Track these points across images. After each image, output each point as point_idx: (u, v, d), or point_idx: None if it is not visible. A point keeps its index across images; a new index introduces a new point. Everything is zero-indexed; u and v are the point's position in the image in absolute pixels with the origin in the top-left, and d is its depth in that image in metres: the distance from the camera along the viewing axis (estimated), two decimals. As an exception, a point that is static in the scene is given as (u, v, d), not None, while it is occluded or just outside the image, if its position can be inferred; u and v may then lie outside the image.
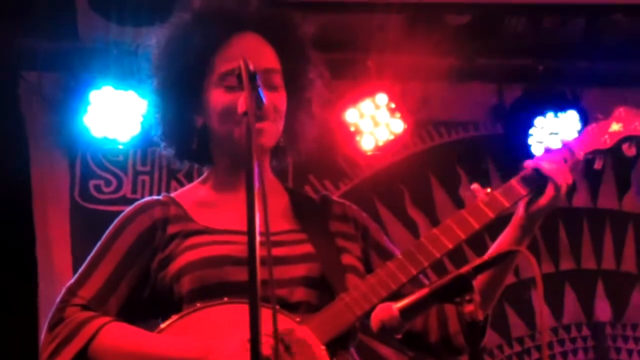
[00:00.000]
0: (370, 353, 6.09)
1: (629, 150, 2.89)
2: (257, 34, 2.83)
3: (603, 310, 6.62)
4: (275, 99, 2.77)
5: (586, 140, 2.90)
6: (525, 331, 6.52)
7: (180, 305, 2.67)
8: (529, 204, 2.79)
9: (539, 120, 6.18)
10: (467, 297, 2.27)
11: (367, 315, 2.66)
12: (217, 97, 2.76)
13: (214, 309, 2.62)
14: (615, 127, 2.89)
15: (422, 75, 6.30)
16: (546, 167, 2.77)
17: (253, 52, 2.75)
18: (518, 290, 6.40)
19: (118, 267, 2.74)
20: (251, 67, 2.35)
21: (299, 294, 2.68)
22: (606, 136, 2.89)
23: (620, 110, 2.91)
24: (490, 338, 6.41)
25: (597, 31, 6.12)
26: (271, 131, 2.77)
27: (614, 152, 2.90)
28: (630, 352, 6.56)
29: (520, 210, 2.81)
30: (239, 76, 2.34)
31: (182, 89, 2.80)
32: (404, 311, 2.31)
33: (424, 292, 2.33)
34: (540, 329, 6.46)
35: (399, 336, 2.36)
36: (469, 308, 2.26)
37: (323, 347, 2.58)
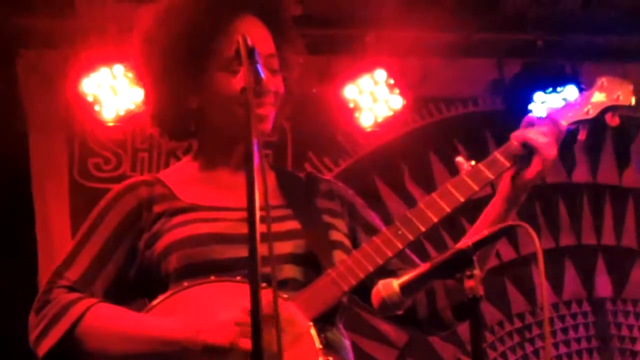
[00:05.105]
0: (370, 329, 6.11)
1: (612, 120, 2.86)
2: (256, 17, 2.80)
3: (603, 285, 6.64)
4: (277, 84, 2.77)
5: (569, 111, 2.88)
6: (526, 307, 6.53)
7: (167, 283, 2.65)
8: (514, 176, 2.78)
9: (538, 95, 6.17)
10: (468, 273, 2.27)
11: (354, 290, 2.66)
12: (223, 81, 2.72)
13: (201, 288, 2.60)
14: (598, 97, 2.86)
15: (421, 51, 6.29)
16: (533, 139, 2.75)
17: (258, 36, 2.73)
18: (518, 266, 6.42)
19: (104, 247, 2.73)
20: (249, 43, 2.34)
21: (286, 271, 2.66)
22: (589, 106, 2.86)
23: (603, 80, 2.88)
24: (491, 314, 6.42)
25: (595, 5, 6.10)
26: (272, 116, 2.76)
27: (597, 122, 2.88)
28: (630, 328, 6.58)
29: (505, 183, 2.79)
30: (238, 52, 2.33)
31: (181, 70, 2.76)
32: (404, 287, 2.31)
33: (424, 267, 2.34)
34: (540, 304, 6.47)
35: (400, 312, 2.35)
36: (469, 283, 2.26)
37: (310, 323, 2.58)
